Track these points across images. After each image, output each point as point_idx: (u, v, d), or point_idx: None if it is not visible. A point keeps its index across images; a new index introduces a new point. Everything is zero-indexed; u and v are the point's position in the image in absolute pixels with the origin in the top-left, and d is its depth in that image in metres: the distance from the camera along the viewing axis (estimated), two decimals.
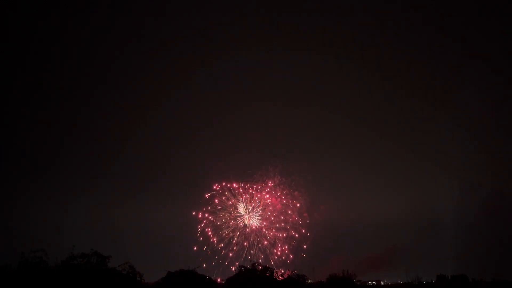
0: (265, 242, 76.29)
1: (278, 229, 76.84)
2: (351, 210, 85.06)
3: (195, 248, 72.68)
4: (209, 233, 74.29)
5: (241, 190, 77.19)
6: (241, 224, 76.67)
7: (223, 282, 46.20)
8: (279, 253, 75.87)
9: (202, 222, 74.73)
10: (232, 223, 76.19)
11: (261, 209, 76.77)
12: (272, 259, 75.67)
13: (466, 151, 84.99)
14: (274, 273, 47.64)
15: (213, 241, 74.11)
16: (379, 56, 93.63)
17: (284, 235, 76.24)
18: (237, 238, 75.43)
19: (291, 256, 76.46)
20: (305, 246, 77.09)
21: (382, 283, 71.60)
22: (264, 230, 76.84)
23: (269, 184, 78.14)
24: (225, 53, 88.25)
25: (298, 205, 78.36)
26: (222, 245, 74.25)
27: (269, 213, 77.16)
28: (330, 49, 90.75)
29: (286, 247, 76.24)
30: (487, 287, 64.26)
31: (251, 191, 77.12)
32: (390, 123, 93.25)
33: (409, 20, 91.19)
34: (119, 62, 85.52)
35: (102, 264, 36.53)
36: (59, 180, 74.61)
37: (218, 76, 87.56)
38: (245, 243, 75.54)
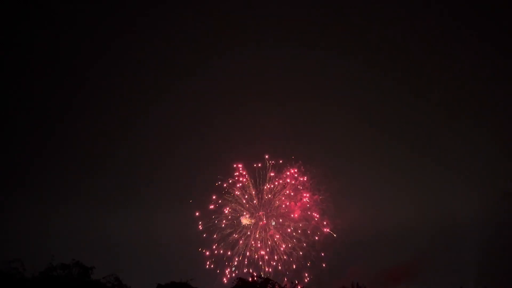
0: (281, 248, 72.63)
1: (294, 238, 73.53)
2: (370, 220, 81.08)
3: (205, 253, 69.15)
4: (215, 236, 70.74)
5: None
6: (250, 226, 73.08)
7: None
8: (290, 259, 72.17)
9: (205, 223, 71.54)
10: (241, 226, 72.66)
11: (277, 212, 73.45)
12: (283, 268, 72.11)
13: (496, 157, 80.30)
14: (276, 286, 44.19)
15: (217, 247, 70.64)
16: (396, 57, 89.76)
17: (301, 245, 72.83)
18: (244, 243, 71.97)
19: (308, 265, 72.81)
20: (323, 265, 73.62)
21: None
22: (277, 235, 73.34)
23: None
24: (242, 45, 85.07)
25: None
26: (226, 251, 70.83)
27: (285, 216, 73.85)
28: (355, 50, 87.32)
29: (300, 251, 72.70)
30: None
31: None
32: (410, 128, 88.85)
33: (428, 15, 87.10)
34: (108, 62, 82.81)
35: (84, 275, 34.16)
36: (41, 183, 71.30)
37: (229, 72, 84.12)
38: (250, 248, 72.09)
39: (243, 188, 72.99)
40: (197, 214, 71.98)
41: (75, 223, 67.99)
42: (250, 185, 73.05)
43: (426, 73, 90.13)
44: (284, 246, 70.96)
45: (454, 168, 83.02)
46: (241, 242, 71.54)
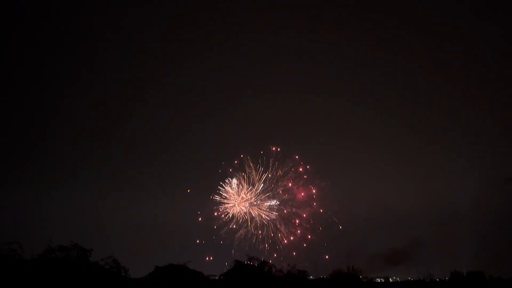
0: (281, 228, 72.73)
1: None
2: (368, 203, 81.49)
3: (197, 241, 69.68)
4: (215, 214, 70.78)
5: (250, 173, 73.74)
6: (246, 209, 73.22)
7: (217, 278, 43.26)
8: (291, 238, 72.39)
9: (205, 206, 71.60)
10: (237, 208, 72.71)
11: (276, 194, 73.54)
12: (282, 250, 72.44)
13: (498, 143, 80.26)
14: (273, 269, 44.56)
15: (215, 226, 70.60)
16: (397, 41, 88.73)
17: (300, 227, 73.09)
18: (239, 225, 72.16)
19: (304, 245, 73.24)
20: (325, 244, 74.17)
21: (390, 280, 67.96)
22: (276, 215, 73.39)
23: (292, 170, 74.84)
24: (249, 35, 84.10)
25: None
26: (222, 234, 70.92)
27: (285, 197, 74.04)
28: (352, 37, 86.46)
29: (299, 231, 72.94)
30: (506, 285, 60.19)
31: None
32: (413, 112, 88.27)
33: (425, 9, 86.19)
34: (107, 46, 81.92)
35: (83, 257, 34.37)
36: (38, 166, 70.96)
37: (229, 63, 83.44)
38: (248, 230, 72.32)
39: (245, 175, 73.13)
40: (193, 199, 72.43)
41: (73, 206, 68.10)
42: (253, 170, 73.04)
43: (426, 56, 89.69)
44: (283, 229, 71.32)
45: (455, 153, 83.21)
46: (240, 227, 71.96)
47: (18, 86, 73.98)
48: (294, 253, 72.38)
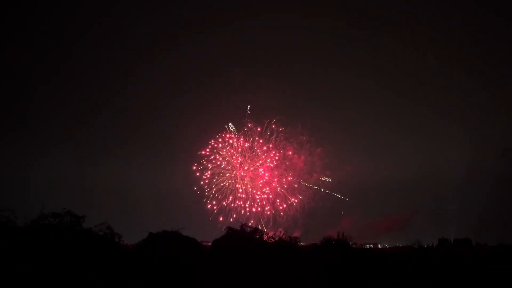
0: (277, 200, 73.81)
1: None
2: (368, 172, 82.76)
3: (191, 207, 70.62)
4: (206, 181, 71.47)
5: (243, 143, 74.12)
6: (241, 174, 74.04)
7: (209, 245, 44.12)
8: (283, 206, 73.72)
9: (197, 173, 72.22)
10: (231, 174, 73.50)
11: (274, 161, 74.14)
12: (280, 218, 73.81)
13: (494, 115, 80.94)
14: (264, 236, 45.45)
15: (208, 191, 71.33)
16: (395, 16, 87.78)
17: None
18: (231, 191, 73.15)
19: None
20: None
21: (379, 246, 69.87)
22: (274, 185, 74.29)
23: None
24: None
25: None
26: (214, 203, 71.90)
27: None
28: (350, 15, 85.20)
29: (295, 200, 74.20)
30: (492, 251, 62.05)
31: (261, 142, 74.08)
32: (413, 83, 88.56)
33: None
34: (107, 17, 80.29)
35: (76, 224, 34.59)
36: (28, 133, 70.54)
37: (225, 41, 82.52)
38: (242, 197, 73.47)
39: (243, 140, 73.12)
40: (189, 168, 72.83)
41: (65, 173, 68.20)
42: (257, 137, 73.03)
43: (428, 29, 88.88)
44: (281, 198, 72.19)
45: (453, 122, 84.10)
46: (232, 192, 72.71)
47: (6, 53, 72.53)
48: (291, 221, 74.12)
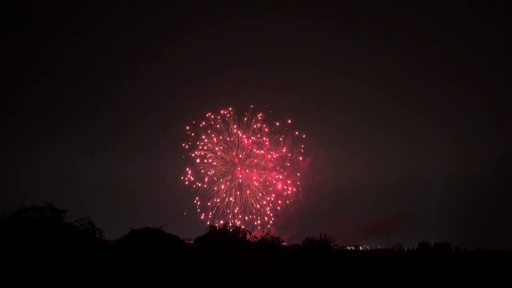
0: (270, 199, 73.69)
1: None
2: (354, 173, 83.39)
3: (176, 205, 70.16)
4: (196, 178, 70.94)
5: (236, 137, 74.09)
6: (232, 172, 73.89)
7: (192, 242, 44.21)
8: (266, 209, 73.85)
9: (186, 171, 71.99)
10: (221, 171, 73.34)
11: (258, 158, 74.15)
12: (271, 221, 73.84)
13: (488, 123, 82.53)
14: (247, 235, 45.75)
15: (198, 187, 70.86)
16: (388, 21, 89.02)
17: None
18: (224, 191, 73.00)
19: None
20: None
21: (360, 248, 70.61)
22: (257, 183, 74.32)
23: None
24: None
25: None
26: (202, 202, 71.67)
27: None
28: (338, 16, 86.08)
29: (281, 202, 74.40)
30: (471, 256, 63.17)
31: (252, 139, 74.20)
32: (403, 89, 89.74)
33: None
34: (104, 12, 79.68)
35: (57, 218, 34.24)
36: (15, 126, 69.78)
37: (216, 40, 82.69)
38: (231, 198, 73.46)
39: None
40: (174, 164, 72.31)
41: (48, 166, 67.45)
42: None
43: (423, 36, 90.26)
44: (269, 197, 72.18)
45: (441, 129, 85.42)
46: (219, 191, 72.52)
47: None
48: (273, 221, 74.19)
